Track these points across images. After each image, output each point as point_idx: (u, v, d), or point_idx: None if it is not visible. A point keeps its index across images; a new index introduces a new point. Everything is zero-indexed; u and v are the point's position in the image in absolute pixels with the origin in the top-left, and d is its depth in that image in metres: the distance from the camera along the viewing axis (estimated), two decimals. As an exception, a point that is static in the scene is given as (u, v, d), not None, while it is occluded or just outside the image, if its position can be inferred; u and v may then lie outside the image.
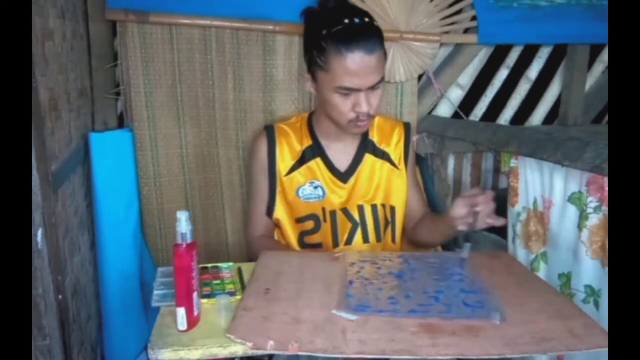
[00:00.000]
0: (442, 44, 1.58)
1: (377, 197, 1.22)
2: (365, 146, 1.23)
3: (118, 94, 1.49)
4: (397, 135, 1.25)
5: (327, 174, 1.21)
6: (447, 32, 1.55)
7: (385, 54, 1.09)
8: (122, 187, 1.45)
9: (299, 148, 1.22)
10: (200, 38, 1.45)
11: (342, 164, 1.22)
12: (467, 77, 1.70)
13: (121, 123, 1.52)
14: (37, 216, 0.89)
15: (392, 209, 1.24)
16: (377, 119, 1.27)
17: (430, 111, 1.70)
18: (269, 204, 1.23)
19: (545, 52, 1.72)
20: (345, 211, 1.21)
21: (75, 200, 1.28)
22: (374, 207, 1.22)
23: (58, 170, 1.07)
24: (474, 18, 1.56)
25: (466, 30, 1.60)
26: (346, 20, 1.05)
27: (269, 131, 1.23)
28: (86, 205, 1.41)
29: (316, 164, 1.21)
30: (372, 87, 1.07)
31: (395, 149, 1.24)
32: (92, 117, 1.48)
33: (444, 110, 1.71)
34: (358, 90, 1.06)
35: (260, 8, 1.43)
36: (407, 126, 1.28)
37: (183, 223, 0.77)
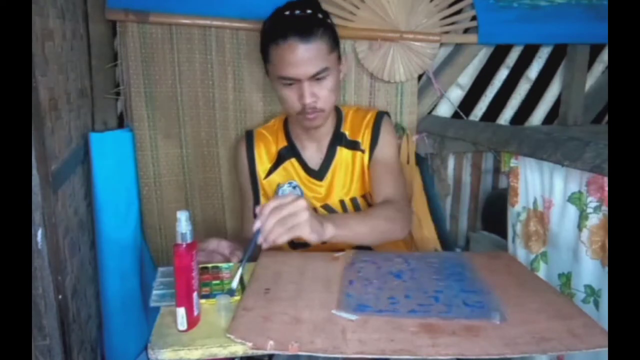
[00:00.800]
0: (442, 44, 1.58)
1: (354, 190, 1.23)
2: (338, 140, 1.23)
3: (118, 94, 1.49)
4: (367, 121, 1.25)
5: (302, 173, 1.22)
6: (447, 32, 1.55)
7: (330, 47, 1.10)
8: (122, 187, 1.45)
9: (274, 150, 1.24)
10: (200, 38, 1.45)
11: (315, 163, 1.23)
12: (467, 77, 1.70)
13: (121, 123, 1.52)
14: (37, 216, 0.89)
15: (367, 197, 1.25)
16: (350, 112, 1.27)
17: (430, 111, 1.70)
18: (254, 206, 1.24)
19: (545, 52, 1.72)
20: (326, 207, 1.22)
21: (75, 200, 1.28)
22: (353, 200, 1.23)
23: (58, 170, 1.07)
24: (474, 18, 1.56)
25: (466, 30, 1.60)
26: (286, 13, 1.09)
27: (248, 136, 1.27)
28: (86, 205, 1.41)
29: (291, 164, 1.23)
30: (316, 78, 1.08)
31: (364, 135, 1.24)
32: (92, 117, 1.48)
33: (444, 110, 1.71)
34: (299, 80, 1.07)
35: (260, 8, 1.42)
36: (379, 113, 1.27)
37: (183, 223, 0.77)
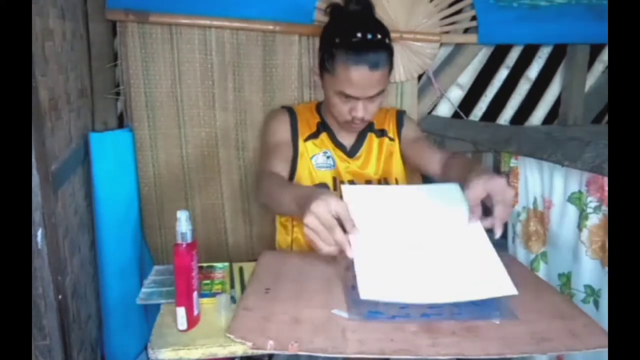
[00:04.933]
0: (442, 44, 1.58)
1: (379, 172, 1.29)
2: (368, 127, 1.30)
3: (118, 94, 1.49)
4: (390, 114, 1.34)
5: (335, 148, 1.28)
6: (447, 32, 1.55)
7: (391, 68, 1.16)
8: (122, 187, 1.45)
9: (313, 122, 1.30)
10: (200, 38, 1.44)
11: (347, 143, 1.30)
12: (467, 77, 1.70)
13: (121, 123, 1.52)
14: (37, 216, 0.89)
15: (396, 181, 1.29)
16: None
17: (430, 111, 1.70)
18: (291, 168, 1.26)
19: (545, 52, 1.72)
20: (354, 184, 1.25)
21: (75, 200, 1.28)
22: (381, 182, 1.28)
23: (58, 170, 1.07)
24: (474, 18, 1.55)
25: (466, 30, 1.60)
26: (359, 34, 1.10)
27: (289, 109, 1.32)
28: (86, 205, 1.41)
29: (327, 136, 1.29)
30: (371, 97, 1.14)
31: (389, 124, 1.32)
32: (92, 117, 1.47)
33: (444, 110, 1.71)
34: (357, 98, 1.13)
35: (260, 8, 1.43)
36: (399, 109, 1.37)
37: (183, 223, 0.77)
